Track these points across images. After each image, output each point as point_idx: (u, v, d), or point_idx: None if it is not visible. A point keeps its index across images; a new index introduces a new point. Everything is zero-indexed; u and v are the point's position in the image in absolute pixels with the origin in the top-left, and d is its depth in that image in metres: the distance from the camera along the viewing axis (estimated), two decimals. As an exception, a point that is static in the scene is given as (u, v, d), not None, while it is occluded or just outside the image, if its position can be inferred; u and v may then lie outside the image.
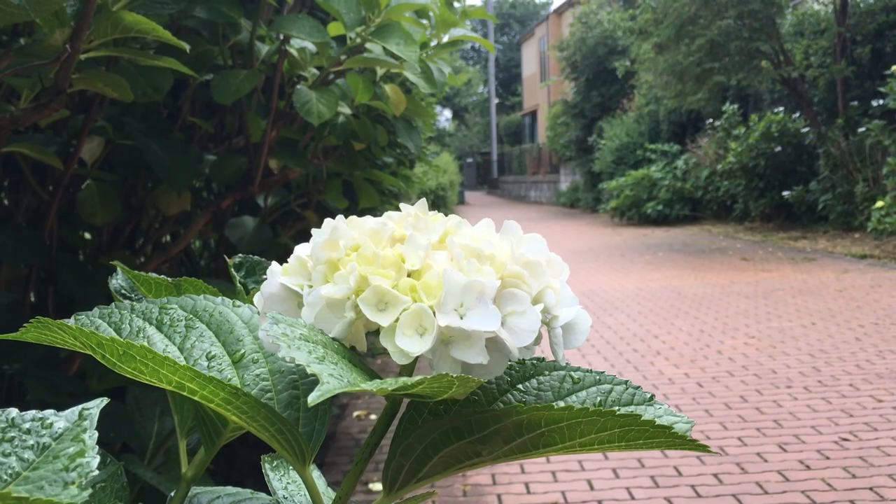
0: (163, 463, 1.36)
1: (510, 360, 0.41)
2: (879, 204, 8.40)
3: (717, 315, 5.43)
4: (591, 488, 2.61)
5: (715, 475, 2.66)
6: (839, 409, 3.30)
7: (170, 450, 1.35)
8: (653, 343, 4.68)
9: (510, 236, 0.43)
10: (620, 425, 0.38)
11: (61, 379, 1.31)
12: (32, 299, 1.52)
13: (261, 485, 0.64)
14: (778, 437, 3.01)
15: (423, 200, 0.43)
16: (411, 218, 0.42)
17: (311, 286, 0.41)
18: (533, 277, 0.40)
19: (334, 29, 1.56)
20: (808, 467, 2.69)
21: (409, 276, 0.40)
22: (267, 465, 0.56)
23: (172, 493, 0.62)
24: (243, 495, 0.65)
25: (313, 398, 0.31)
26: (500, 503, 2.52)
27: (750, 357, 4.24)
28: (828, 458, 2.77)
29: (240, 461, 2.29)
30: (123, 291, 0.59)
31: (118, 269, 0.59)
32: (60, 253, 1.52)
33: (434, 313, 0.38)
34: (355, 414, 3.44)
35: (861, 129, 9.67)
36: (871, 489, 2.49)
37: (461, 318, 0.38)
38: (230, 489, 0.66)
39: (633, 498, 2.52)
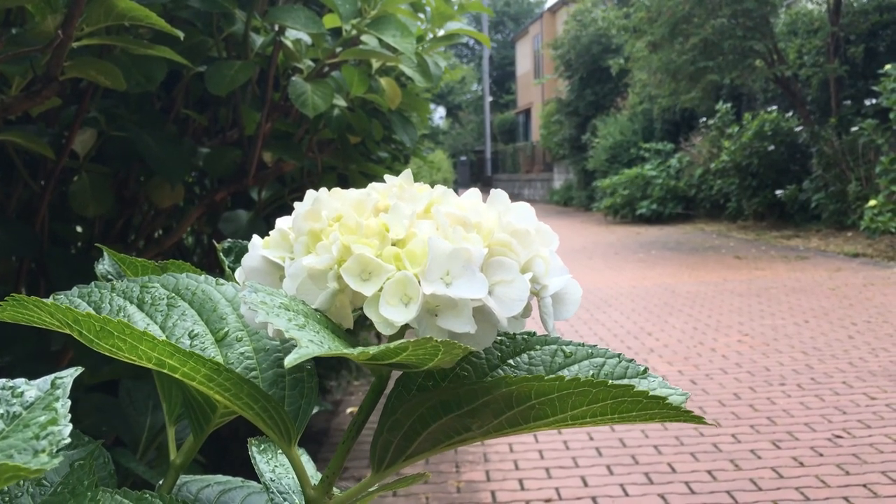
0: (156, 457, 1.35)
1: (499, 331, 0.40)
2: (872, 203, 8.42)
3: (710, 313, 5.43)
4: (585, 485, 2.61)
5: (709, 472, 2.66)
6: (832, 407, 3.31)
7: (163, 444, 1.34)
8: (647, 341, 4.68)
9: (497, 205, 0.42)
10: (613, 396, 0.37)
11: (52, 373, 1.30)
12: (24, 293, 1.51)
13: (253, 479, 0.63)
14: (772, 434, 3.01)
15: (409, 171, 0.42)
16: (396, 188, 0.41)
17: (293, 258, 0.40)
18: (521, 246, 0.39)
19: (330, 20, 1.55)
20: (801, 464, 2.70)
21: (393, 245, 0.39)
22: (254, 449, 0.55)
23: (161, 482, 0.62)
24: (233, 483, 0.65)
25: (290, 360, 0.30)
26: (494, 500, 2.52)
27: (743, 355, 4.24)
28: (821, 454, 2.78)
29: (231, 456, 2.28)
30: (110, 276, 0.58)
31: (104, 253, 0.58)
32: (52, 246, 1.51)
33: (419, 282, 0.37)
34: (349, 410, 3.43)
35: (854, 129, 9.70)
36: (864, 486, 2.49)
37: (447, 286, 0.37)
38: (220, 477, 0.66)
39: (627, 494, 2.52)
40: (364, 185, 1.60)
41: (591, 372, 0.43)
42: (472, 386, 0.39)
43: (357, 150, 2.05)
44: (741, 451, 2.84)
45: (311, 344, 0.32)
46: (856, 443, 2.87)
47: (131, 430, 1.33)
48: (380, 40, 1.50)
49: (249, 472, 0.69)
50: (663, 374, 3.92)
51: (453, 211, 0.40)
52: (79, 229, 1.68)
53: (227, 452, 2.11)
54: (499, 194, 0.41)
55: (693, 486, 2.56)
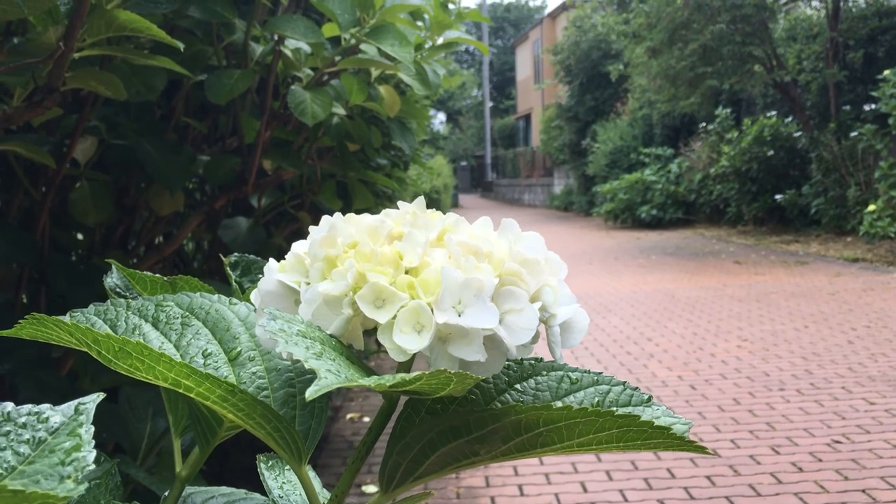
0: (155, 464, 1.35)
1: (508, 359, 0.41)
2: (871, 208, 8.43)
3: (710, 318, 5.44)
4: (585, 490, 2.61)
5: (708, 477, 2.67)
6: (831, 412, 3.31)
7: (162, 450, 1.34)
8: (646, 346, 4.68)
9: (508, 234, 0.42)
10: (619, 426, 0.38)
11: (53, 379, 1.30)
12: (24, 300, 1.51)
13: (254, 487, 0.63)
14: (770, 439, 3.02)
15: (421, 198, 0.43)
16: (409, 215, 0.42)
17: (308, 283, 0.41)
18: (531, 275, 0.40)
19: (329, 30, 1.56)
20: (800, 469, 2.70)
21: (407, 273, 0.40)
22: (262, 465, 0.55)
23: (166, 493, 0.62)
24: (238, 495, 0.65)
25: (311, 392, 0.31)
26: (493, 505, 2.52)
27: (743, 360, 4.24)
28: (820, 460, 2.78)
29: (232, 463, 2.28)
30: (118, 290, 0.59)
31: (113, 267, 0.59)
32: (52, 253, 1.51)
33: (432, 310, 0.38)
34: (349, 416, 3.44)
35: (853, 134, 9.72)
36: (863, 491, 2.50)
37: (459, 315, 0.38)
38: (224, 489, 0.66)
39: (626, 500, 2.52)
40: (363, 193, 1.61)
41: (597, 399, 0.44)
42: (482, 413, 0.40)
43: (356, 158, 2.06)
44: (740, 457, 2.84)
45: (329, 374, 0.33)
46: (855, 448, 2.88)
47: (131, 436, 1.33)
48: (379, 49, 1.51)
49: (250, 479, 0.69)
50: (662, 380, 3.93)
51: (465, 240, 0.40)
52: (79, 236, 1.69)
53: (228, 460, 2.11)
54: (510, 224, 0.42)
55: (692, 491, 2.56)
